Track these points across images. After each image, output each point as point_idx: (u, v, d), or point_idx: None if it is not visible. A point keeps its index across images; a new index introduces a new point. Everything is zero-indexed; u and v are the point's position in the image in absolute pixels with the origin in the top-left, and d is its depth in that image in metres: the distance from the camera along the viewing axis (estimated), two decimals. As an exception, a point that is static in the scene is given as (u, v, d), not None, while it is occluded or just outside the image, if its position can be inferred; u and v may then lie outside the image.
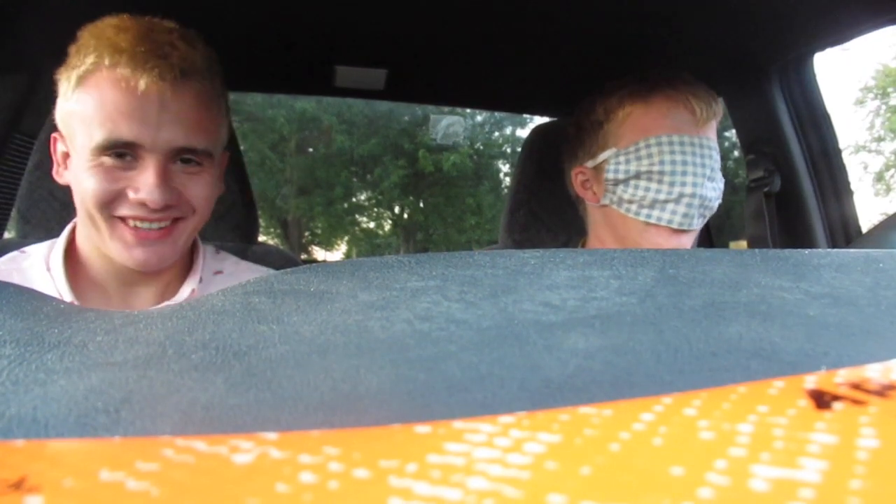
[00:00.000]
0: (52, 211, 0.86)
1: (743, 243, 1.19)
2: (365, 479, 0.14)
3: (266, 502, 0.13)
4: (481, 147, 10.54)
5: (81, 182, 0.60)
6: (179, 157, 0.63)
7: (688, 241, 0.79)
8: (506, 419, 0.17)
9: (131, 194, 0.60)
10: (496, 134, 10.81)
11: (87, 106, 0.60)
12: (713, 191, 0.77)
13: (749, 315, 0.23)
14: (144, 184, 0.60)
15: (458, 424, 0.16)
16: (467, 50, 1.10)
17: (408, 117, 9.89)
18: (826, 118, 1.09)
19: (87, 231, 0.65)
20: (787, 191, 1.09)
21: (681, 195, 0.74)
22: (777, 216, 1.10)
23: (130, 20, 0.62)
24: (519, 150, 1.09)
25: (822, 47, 1.01)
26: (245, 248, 0.95)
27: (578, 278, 0.26)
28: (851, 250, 0.31)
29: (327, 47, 1.10)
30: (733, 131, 1.20)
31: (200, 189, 0.64)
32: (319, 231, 10.80)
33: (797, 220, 1.10)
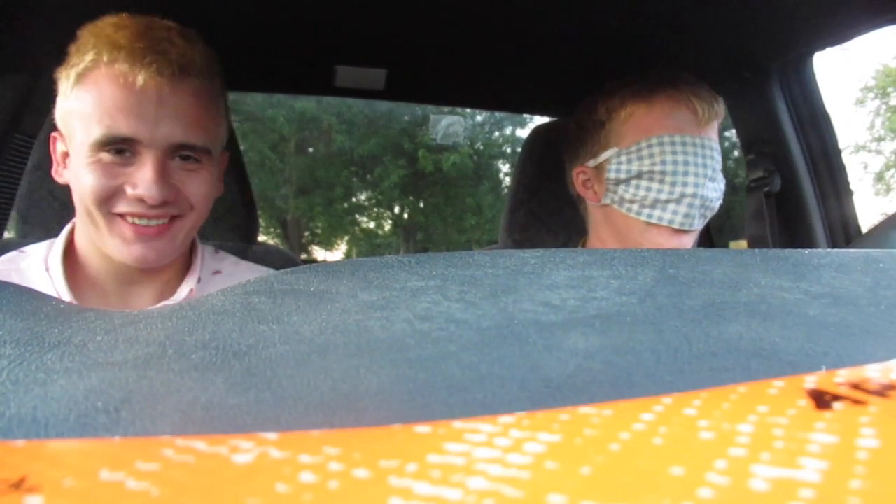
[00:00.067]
0: (52, 211, 0.86)
1: (743, 243, 1.19)
2: (365, 479, 0.14)
3: (266, 502, 0.13)
4: (481, 147, 10.54)
5: (80, 179, 0.61)
6: (178, 154, 0.63)
7: (689, 242, 0.79)
8: (506, 419, 0.17)
9: (129, 190, 0.60)
10: (496, 134, 10.82)
11: (86, 103, 0.60)
12: (714, 191, 0.77)
13: (749, 315, 0.23)
14: (142, 180, 0.60)
15: (458, 424, 0.16)
16: (467, 50, 1.10)
17: (408, 117, 9.89)
18: (826, 118, 1.09)
19: (86, 229, 0.65)
20: (787, 191, 1.09)
21: (682, 195, 0.74)
22: (777, 216, 1.10)
23: (129, 19, 0.62)
24: (519, 150, 1.09)
25: (822, 47, 1.01)
26: (245, 248, 0.95)
27: (578, 278, 0.26)
28: (851, 250, 0.31)
29: (327, 47, 1.10)
30: (733, 131, 1.20)
31: (199, 186, 0.64)
32: (319, 231, 10.80)
33: (797, 220, 1.10)
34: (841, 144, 1.09)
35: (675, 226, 0.76)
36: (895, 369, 0.19)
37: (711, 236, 1.31)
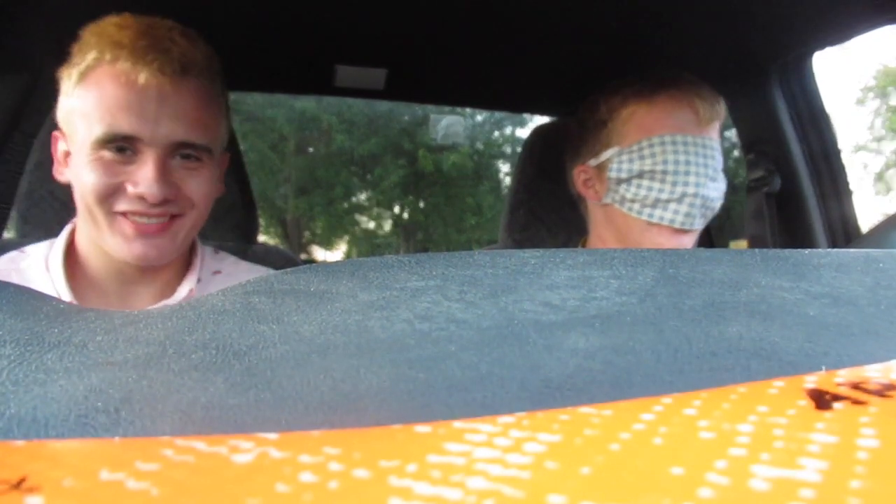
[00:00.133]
0: (52, 211, 0.86)
1: (743, 243, 1.19)
2: (365, 479, 0.14)
3: (266, 502, 0.13)
4: (481, 147, 10.54)
5: (81, 177, 0.61)
6: (179, 153, 0.63)
7: (689, 241, 0.79)
8: (506, 419, 0.17)
9: (130, 188, 0.61)
10: (496, 134, 10.81)
11: (88, 101, 0.60)
12: (715, 191, 0.77)
13: (749, 315, 0.23)
14: (143, 178, 0.60)
15: (458, 424, 0.16)
16: (467, 50, 1.10)
17: (408, 117, 9.88)
18: (826, 118, 1.09)
19: (87, 228, 0.65)
20: (787, 191, 1.09)
21: (683, 195, 0.74)
22: (777, 216, 1.10)
23: (132, 18, 0.62)
24: (519, 149, 1.09)
25: (821, 47, 1.01)
26: (245, 248, 0.95)
27: (578, 278, 0.26)
28: (851, 250, 0.31)
29: (327, 47, 1.10)
30: (733, 131, 1.20)
31: (199, 185, 0.64)
32: (319, 231, 10.79)
33: (797, 219, 1.10)
34: (841, 144, 1.09)
35: (676, 225, 0.76)
36: (895, 369, 0.19)
37: (711, 236, 1.31)
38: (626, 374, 0.20)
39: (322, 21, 0.98)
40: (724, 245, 1.41)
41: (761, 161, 1.11)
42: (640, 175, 0.76)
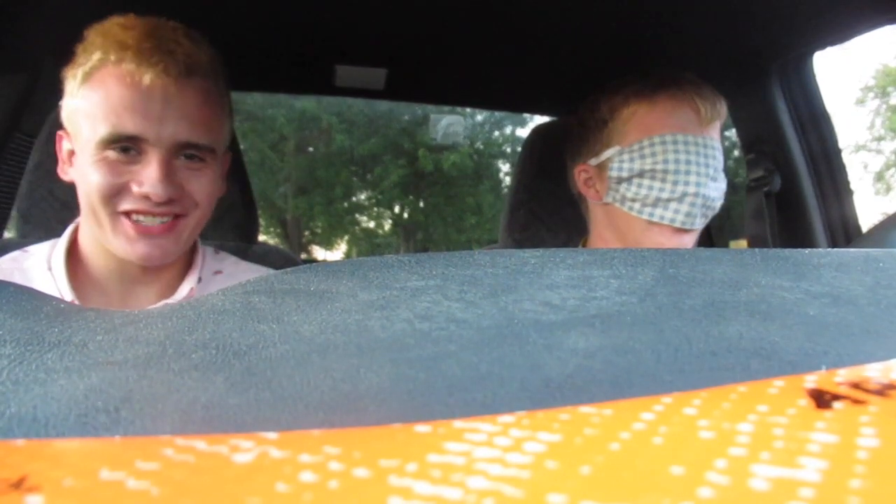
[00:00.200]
0: (52, 211, 0.86)
1: (743, 243, 1.19)
2: (365, 478, 0.14)
3: (266, 502, 0.13)
4: (481, 147, 10.54)
5: (86, 176, 0.61)
6: (182, 153, 0.63)
7: (689, 241, 0.79)
8: (506, 419, 0.17)
9: (135, 188, 0.61)
10: (496, 133, 10.81)
11: (93, 101, 0.61)
12: (716, 191, 0.77)
13: (749, 314, 0.23)
14: (148, 177, 0.61)
15: (458, 424, 0.16)
16: (467, 50, 1.10)
17: (408, 117, 9.88)
18: (826, 117, 1.09)
19: (91, 228, 0.65)
20: (787, 190, 1.09)
21: (684, 194, 0.74)
22: (777, 216, 1.10)
23: (136, 19, 0.63)
24: (519, 149, 1.09)
25: (822, 46, 1.01)
26: (245, 247, 0.95)
27: (578, 278, 0.26)
28: (851, 250, 0.31)
29: (327, 47, 1.10)
30: (733, 130, 1.20)
31: (203, 185, 0.65)
32: (319, 230, 10.79)
33: (797, 219, 1.10)
34: (841, 144, 1.09)
35: (677, 225, 0.76)
36: (895, 369, 0.19)
37: (711, 236, 1.31)
38: (626, 374, 0.20)
39: (322, 21, 0.98)
40: (724, 245, 1.41)
41: (761, 161, 1.11)
42: (641, 174, 0.76)
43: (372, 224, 11.22)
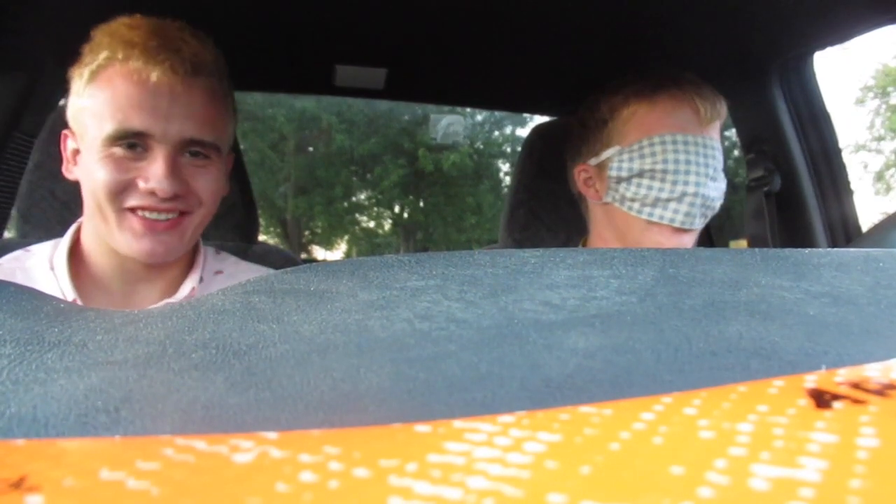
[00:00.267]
0: (52, 211, 0.86)
1: (743, 242, 1.19)
2: (365, 478, 0.14)
3: (266, 502, 0.13)
4: (481, 146, 10.53)
5: (92, 173, 0.62)
6: (188, 150, 0.64)
7: (689, 241, 0.79)
8: (506, 418, 0.17)
9: (141, 184, 0.61)
10: (496, 133, 10.81)
11: (100, 99, 0.61)
12: (715, 191, 0.77)
13: (749, 314, 0.23)
14: (154, 173, 0.61)
15: (458, 424, 0.16)
16: (467, 49, 1.10)
17: (408, 116, 9.88)
18: (826, 117, 1.09)
19: (95, 225, 0.65)
20: (787, 190, 1.09)
21: (683, 194, 0.74)
22: (777, 215, 1.10)
23: (143, 19, 0.64)
24: (519, 149, 1.09)
25: (822, 46, 1.01)
26: (245, 247, 0.95)
27: (578, 277, 0.26)
28: (851, 249, 0.31)
29: (327, 46, 1.10)
30: (733, 130, 1.20)
31: (208, 182, 0.65)
32: (319, 230, 10.79)
33: (797, 219, 1.10)
34: (841, 144, 1.09)
35: (676, 225, 0.76)
36: (895, 368, 0.19)
37: (711, 235, 1.31)
38: (626, 374, 0.20)
39: (322, 21, 0.98)
40: (724, 245, 1.42)
41: (761, 160, 1.11)
42: (641, 174, 0.76)
43: (372, 224, 11.23)
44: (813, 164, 1.09)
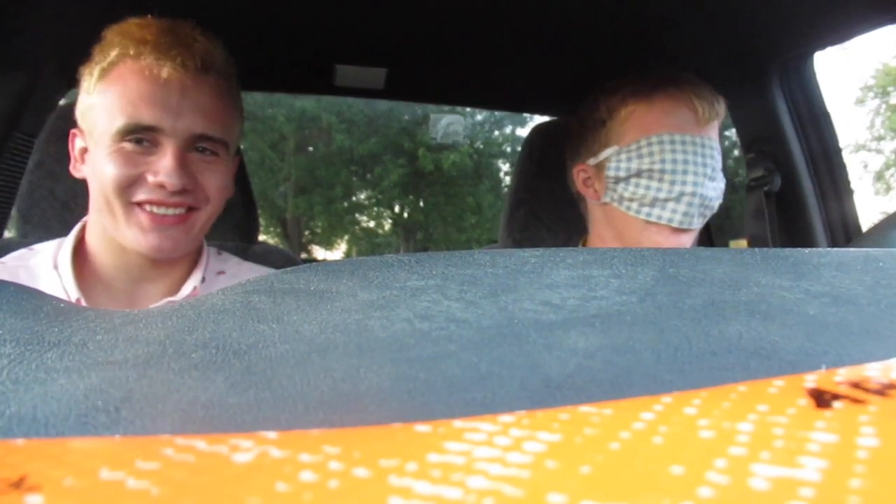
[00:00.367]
0: (52, 211, 0.86)
1: (743, 242, 1.19)
2: (365, 478, 0.14)
3: (266, 501, 0.13)
4: (481, 146, 10.53)
5: (101, 168, 0.62)
6: (196, 146, 0.65)
7: (688, 241, 0.79)
8: (506, 418, 0.17)
9: (150, 178, 0.62)
10: (496, 133, 10.80)
11: (110, 96, 0.62)
12: (714, 190, 0.77)
13: (749, 314, 0.23)
14: (163, 167, 0.62)
15: (458, 423, 0.16)
16: (467, 49, 1.10)
17: (408, 116, 9.88)
18: (826, 117, 1.09)
19: (102, 222, 0.66)
20: (787, 190, 1.09)
21: (681, 194, 0.74)
22: (777, 215, 1.10)
23: (153, 19, 0.65)
24: (519, 149, 1.09)
25: (822, 46, 1.01)
26: (245, 247, 0.95)
27: (578, 277, 0.26)
28: (851, 249, 0.31)
29: (327, 46, 1.10)
30: (733, 130, 1.20)
31: (215, 178, 0.66)
32: (319, 230, 10.79)
33: (797, 219, 1.10)
34: (841, 143, 1.09)
35: (674, 224, 0.76)
36: (895, 368, 0.19)
37: (711, 235, 1.31)
38: (626, 374, 0.20)
39: (322, 21, 0.98)
40: (724, 244, 1.42)
41: (761, 160, 1.11)
42: (639, 174, 0.76)
43: (372, 224, 11.22)
44: (813, 164, 1.09)
